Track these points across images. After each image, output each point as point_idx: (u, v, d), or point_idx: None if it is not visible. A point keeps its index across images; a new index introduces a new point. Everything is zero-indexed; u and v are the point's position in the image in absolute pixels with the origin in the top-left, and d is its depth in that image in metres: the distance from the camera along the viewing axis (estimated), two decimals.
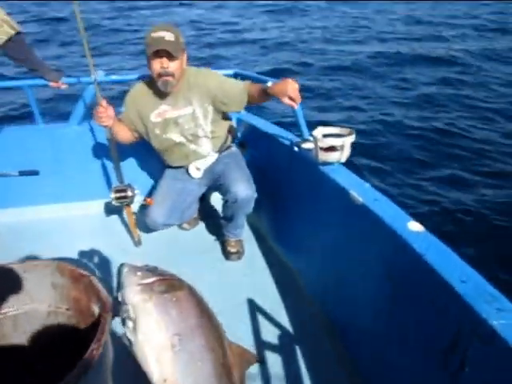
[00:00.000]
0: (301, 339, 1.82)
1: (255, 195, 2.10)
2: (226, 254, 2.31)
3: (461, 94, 8.31)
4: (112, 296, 1.28)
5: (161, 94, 2.13)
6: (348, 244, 1.72)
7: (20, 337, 1.34)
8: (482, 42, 13.45)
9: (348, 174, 1.81)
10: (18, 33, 2.21)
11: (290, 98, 1.80)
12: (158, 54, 1.93)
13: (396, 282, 1.41)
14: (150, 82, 2.14)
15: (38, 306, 1.32)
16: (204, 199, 2.71)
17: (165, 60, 1.95)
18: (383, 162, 5.46)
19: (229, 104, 2.12)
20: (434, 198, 4.54)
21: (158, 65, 1.96)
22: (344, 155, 1.80)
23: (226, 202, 2.14)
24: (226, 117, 2.28)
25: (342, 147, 1.77)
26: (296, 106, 1.85)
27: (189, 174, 2.30)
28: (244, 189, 2.04)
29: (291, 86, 1.79)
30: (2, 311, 1.30)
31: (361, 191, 1.63)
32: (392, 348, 1.44)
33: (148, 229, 2.36)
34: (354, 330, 1.70)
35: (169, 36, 1.92)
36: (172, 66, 1.97)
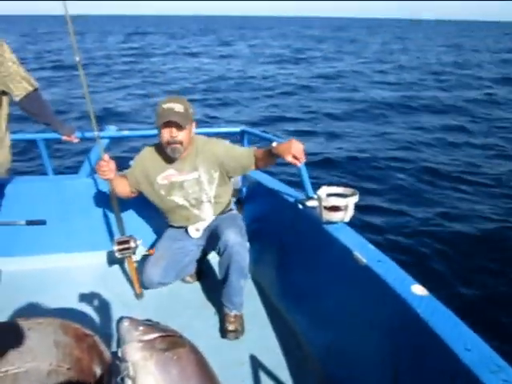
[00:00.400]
0: None
1: (247, 245, 2.10)
2: (223, 331, 2.16)
3: (461, 142, 8.46)
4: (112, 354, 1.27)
5: (168, 159, 2.24)
6: (351, 305, 1.71)
7: None
8: (484, 90, 13.77)
9: (352, 233, 1.82)
10: (36, 89, 2.30)
11: (294, 157, 1.86)
12: (168, 124, 2.06)
13: (400, 347, 1.39)
14: (159, 146, 2.25)
15: (39, 365, 1.31)
16: (206, 254, 2.71)
17: (174, 130, 2.07)
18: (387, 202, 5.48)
19: (236, 168, 2.21)
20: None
21: (167, 134, 2.09)
22: (348, 215, 1.83)
23: (218, 254, 2.14)
24: (230, 181, 2.36)
25: (345, 207, 1.81)
26: (299, 164, 1.89)
27: (188, 235, 2.35)
28: (234, 236, 2.06)
29: (295, 145, 1.85)
30: (3, 369, 1.29)
31: (364, 252, 1.65)
32: None
33: None
34: None
35: (178, 107, 2.06)
36: (180, 135, 2.10)
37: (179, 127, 2.06)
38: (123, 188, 2.33)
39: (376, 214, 5.19)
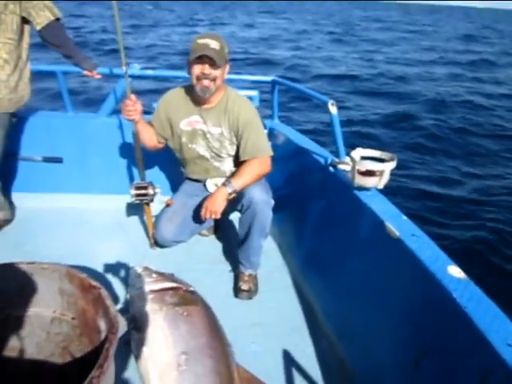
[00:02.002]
0: (312, 371, 1.69)
1: (272, 202, 2.00)
2: (236, 291, 2.09)
3: None
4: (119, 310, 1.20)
5: (195, 103, 2.09)
6: (376, 278, 1.60)
7: (21, 341, 1.27)
8: None
9: (385, 202, 1.69)
10: (58, 19, 2.17)
11: (207, 211, 1.96)
12: (201, 59, 1.89)
13: (428, 331, 1.28)
14: (188, 89, 2.11)
15: (42, 311, 1.25)
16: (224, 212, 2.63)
17: (206, 66, 1.90)
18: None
19: (239, 144, 2.08)
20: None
21: (198, 69, 1.92)
22: (382, 182, 1.69)
23: (241, 211, 2.04)
24: None
25: (381, 173, 1.66)
26: (203, 216, 1.99)
27: (206, 190, 2.23)
28: (260, 193, 1.95)
29: (210, 206, 1.96)
30: (5, 311, 1.23)
31: (397, 223, 1.52)
32: None
33: None
34: (373, 375, 1.55)
35: (214, 44, 1.89)
36: (213, 73, 1.92)
37: (213, 64, 1.89)
38: (149, 137, 2.20)
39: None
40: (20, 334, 1.26)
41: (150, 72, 2.64)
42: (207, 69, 1.90)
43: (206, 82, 1.93)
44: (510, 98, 9.96)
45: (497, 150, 6.55)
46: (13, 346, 1.27)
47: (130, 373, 1.56)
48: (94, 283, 1.16)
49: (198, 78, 1.93)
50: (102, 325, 1.13)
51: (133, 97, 2.02)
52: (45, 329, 1.27)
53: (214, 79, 1.93)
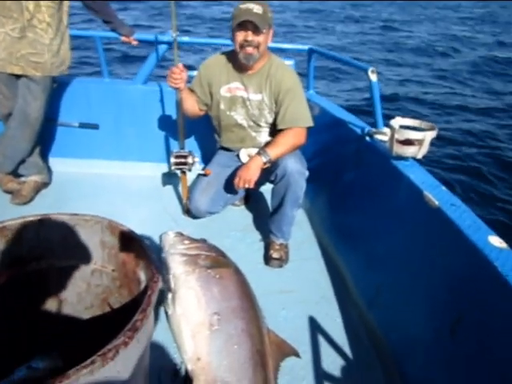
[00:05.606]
0: (341, 339, 1.70)
1: (306, 173, 1.99)
2: (267, 258, 2.11)
3: None
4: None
5: (237, 69, 2.09)
6: (413, 249, 1.58)
7: (62, 291, 1.31)
8: None
9: (423, 172, 1.65)
10: None
11: (240, 180, 1.95)
12: (244, 25, 1.89)
13: (466, 299, 1.26)
14: (230, 55, 2.10)
15: (84, 262, 1.28)
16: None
17: (249, 33, 1.90)
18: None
19: (279, 111, 2.05)
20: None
21: (241, 36, 1.92)
22: (422, 151, 1.65)
23: (274, 181, 2.04)
24: None
25: (420, 142, 1.62)
26: (237, 186, 1.98)
27: (239, 160, 2.22)
28: (294, 164, 1.94)
29: (245, 173, 1.94)
30: (48, 261, 1.27)
31: (436, 193, 1.49)
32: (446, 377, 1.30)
33: None
34: (404, 342, 1.55)
35: (257, 9, 1.87)
36: (256, 39, 1.92)
37: (256, 30, 1.89)
38: (192, 104, 2.20)
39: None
40: (61, 284, 1.30)
41: (198, 39, 2.62)
42: (250, 35, 1.89)
43: (249, 50, 1.92)
44: None
45: None
46: (54, 296, 1.31)
47: (162, 331, 1.60)
48: (135, 235, 1.18)
49: (242, 46, 1.93)
50: (142, 276, 1.16)
51: (180, 65, 2.02)
52: (85, 280, 1.30)
53: (257, 46, 1.92)
